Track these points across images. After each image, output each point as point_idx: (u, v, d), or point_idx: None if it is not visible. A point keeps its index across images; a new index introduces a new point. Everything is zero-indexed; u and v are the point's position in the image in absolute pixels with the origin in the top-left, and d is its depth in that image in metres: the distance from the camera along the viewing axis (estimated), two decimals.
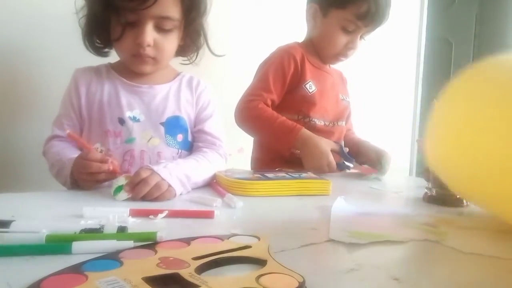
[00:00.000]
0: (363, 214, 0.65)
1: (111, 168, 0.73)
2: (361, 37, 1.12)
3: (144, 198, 0.68)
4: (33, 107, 1.07)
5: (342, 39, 1.10)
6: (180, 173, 0.75)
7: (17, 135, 1.06)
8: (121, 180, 0.69)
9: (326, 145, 1.02)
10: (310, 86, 1.11)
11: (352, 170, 1.09)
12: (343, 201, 0.71)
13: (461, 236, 0.55)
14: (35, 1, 1.06)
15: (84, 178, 0.74)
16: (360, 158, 1.14)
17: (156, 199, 0.69)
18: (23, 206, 0.62)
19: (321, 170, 0.98)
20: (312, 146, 1.00)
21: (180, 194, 0.74)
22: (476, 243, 0.52)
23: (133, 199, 0.68)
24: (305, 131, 1.02)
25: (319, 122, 1.12)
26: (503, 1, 2.41)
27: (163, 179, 0.70)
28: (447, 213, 0.69)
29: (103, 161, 0.73)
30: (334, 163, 1.01)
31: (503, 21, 2.40)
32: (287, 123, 1.03)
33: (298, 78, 1.10)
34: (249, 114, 1.06)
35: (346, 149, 1.08)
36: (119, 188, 0.68)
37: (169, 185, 0.71)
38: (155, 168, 0.71)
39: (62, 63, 1.04)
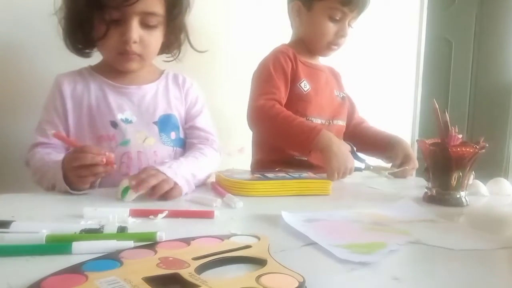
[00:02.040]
0: (313, 220, 0.58)
1: (104, 160, 0.68)
2: (348, 24, 1.12)
3: (154, 194, 0.67)
4: (33, 106, 1.07)
5: (331, 28, 1.10)
6: (185, 172, 0.75)
7: (17, 135, 1.05)
8: (125, 182, 0.67)
9: (345, 147, 0.99)
10: (305, 85, 1.10)
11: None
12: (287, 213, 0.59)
13: (425, 231, 0.56)
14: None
15: (78, 174, 0.69)
16: (387, 153, 1.13)
17: (164, 197, 0.68)
18: (23, 206, 0.62)
19: (345, 173, 0.95)
20: (336, 149, 0.95)
21: (185, 194, 0.74)
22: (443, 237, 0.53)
23: (136, 190, 0.66)
24: (326, 132, 0.97)
25: (316, 121, 1.11)
26: (503, 1, 2.41)
27: (169, 177, 0.70)
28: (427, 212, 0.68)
29: (97, 153, 0.69)
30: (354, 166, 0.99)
31: (503, 21, 2.40)
32: (306, 123, 1.01)
33: (294, 77, 1.10)
34: (265, 114, 1.02)
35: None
36: (127, 189, 0.67)
37: (176, 183, 0.71)
38: (160, 168, 0.71)
39: (53, 62, 1.03)
